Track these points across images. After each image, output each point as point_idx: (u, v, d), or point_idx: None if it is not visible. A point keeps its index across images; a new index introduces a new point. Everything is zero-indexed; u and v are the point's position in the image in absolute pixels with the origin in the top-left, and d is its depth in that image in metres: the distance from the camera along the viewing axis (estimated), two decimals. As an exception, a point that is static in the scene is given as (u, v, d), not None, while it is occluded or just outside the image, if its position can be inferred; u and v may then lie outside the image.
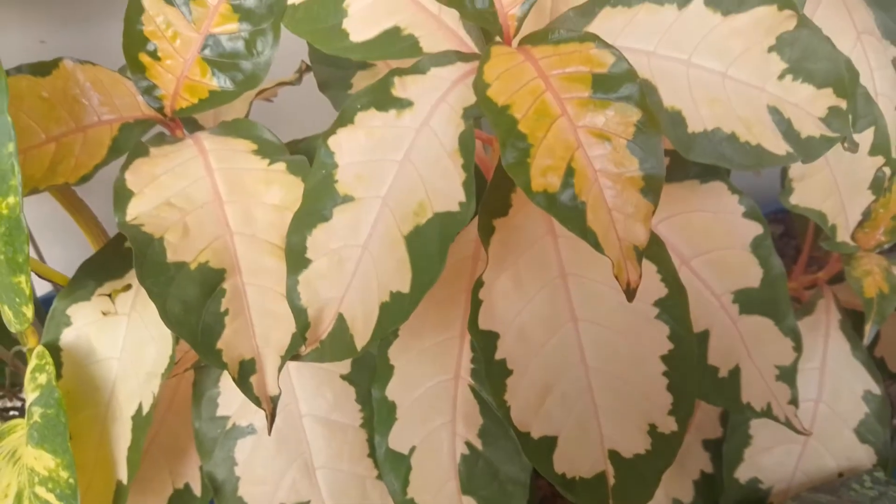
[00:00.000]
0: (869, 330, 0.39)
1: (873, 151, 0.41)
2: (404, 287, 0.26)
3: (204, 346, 0.27)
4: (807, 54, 0.28)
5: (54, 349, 0.36)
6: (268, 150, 0.31)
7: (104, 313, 0.36)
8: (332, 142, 0.27)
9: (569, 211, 0.23)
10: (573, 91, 0.25)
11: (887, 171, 0.42)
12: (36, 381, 0.35)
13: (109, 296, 0.37)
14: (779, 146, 0.27)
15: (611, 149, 0.24)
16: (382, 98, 0.27)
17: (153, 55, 0.33)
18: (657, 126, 0.24)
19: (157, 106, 0.34)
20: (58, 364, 0.36)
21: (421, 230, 0.26)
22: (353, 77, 0.39)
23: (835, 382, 0.41)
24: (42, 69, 0.33)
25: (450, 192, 0.26)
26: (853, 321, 0.44)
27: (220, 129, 0.33)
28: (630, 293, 0.24)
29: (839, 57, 0.28)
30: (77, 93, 0.33)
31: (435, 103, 0.27)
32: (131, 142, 0.33)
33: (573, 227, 0.23)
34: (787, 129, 0.27)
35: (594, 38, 0.25)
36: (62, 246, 0.61)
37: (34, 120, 0.33)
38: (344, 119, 0.27)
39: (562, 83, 0.25)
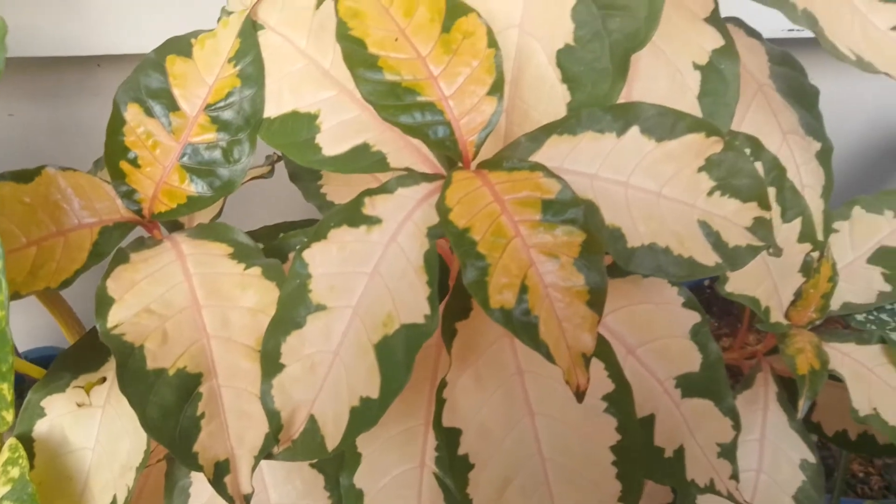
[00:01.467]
0: (802, 405, 0.43)
1: (801, 239, 0.45)
2: (373, 393, 0.28)
3: (181, 451, 0.29)
4: (732, 172, 0.31)
5: (27, 440, 0.37)
6: (243, 254, 0.34)
7: (79, 405, 0.37)
8: (307, 254, 0.29)
9: (523, 325, 0.26)
10: (525, 214, 0.28)
11: (815, 255, 0.46)
12: (8, 474, 0.36)
13: (84, 388, 0.38)
14: (708, 257, 0.30)
15: (559, 266, 0.27)
16: (354, 215, 0.29)
17: (133, 163, 0.35)
18: (599, 246, 0.27)
19: (135, 209, 0.36)
20: (30, 454, 0.37)
21: (389, 340, 0.28)
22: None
23: (774, 453, 0.44)
24: (24, 176, 0.35)
25: (416, 305, 0.28)
26: (789, 392, 0.48)
27: (197, 231, 0.35)
28: (580, 395, 0.26)
29: (760, 175, 0.31)
30: (58, 198, 0.35)
31: (402, 221, 0.29)
32: (111, 245, 0.34)
33: (527, 340, 0.26)
34: (715, 240, 0.30)
35: (542, 168, 0.28)
36: (24, 314, 0.61)
37: (15, 224, 0.34)
38: (318, 234, 0.29)
39: (515, 207, 0.28)
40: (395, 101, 0.29)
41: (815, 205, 0.46)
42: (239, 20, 0.36)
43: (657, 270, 0.29)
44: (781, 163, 0.43)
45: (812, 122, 0.46)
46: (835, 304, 0.48)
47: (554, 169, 0.31)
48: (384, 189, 0.30)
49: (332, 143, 0.33)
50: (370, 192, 0.30)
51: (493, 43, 0.30)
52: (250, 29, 0.36)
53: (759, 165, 0.43)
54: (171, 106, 0.35)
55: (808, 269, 0.46)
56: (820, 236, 0.47)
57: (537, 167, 0.28)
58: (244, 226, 0.48)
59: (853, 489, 0.67)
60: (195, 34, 0.37)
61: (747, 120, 0.43)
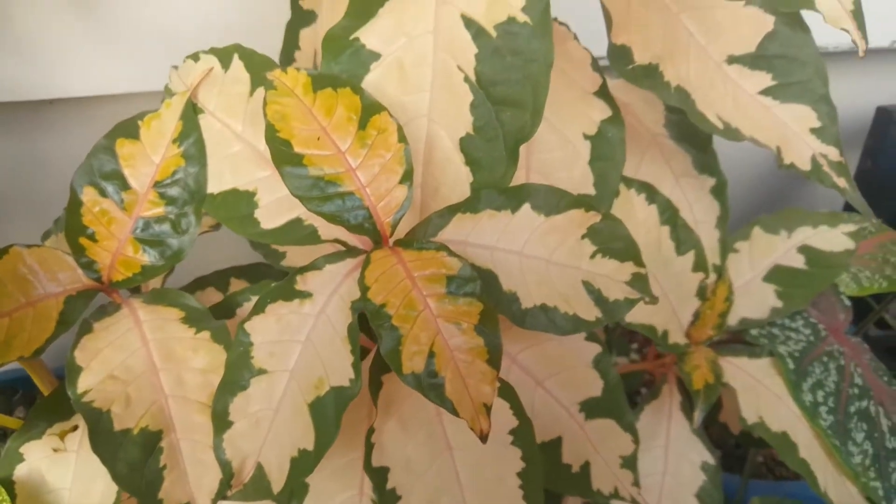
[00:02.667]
0: (697, 416, 0.49)
1: (695, 269, 0.51)
2: (309, 445, 0.33)
3: (148, 499, 0.34)
4: (610, 238, 0.37)
5: (8, 483, 0.41)
6: (194, 318, 0.38)
7: (55, 450, 0.42)
8: (249, 326, 0.34)
9: (431, 386, 0.31)
10: (433, 289, 0.33)
11: (709, 281, 0.52)
12: (-8, 515, 0.40)
13: (58, 435, 0.42)
14: (590, 313, 0.36)
15: (462, 331, 0.32)
16: (288, 291, 0.34)
17: (91, 238, 0.39)
18: (494, 313, 0.33)
19: (95, 277, 0.40)
20: (12, 496, 0.41)
21: (321, 400, 0.33)
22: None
23: (677, 457, 0.51)
24: (-7, 255, 0.39)
25: (342, 370, 0.33)
26: (692, 401, 0.54)
27: (151, 296, 0.40)
28: (483, 438, 0.32)
29: (633, 238, 0.37)
30: (25, 272, 0.39)
31: (329, 295, 0.34)
32: (77, 312, 0.39)
33: (434, 399, 0.31)
34: (597, 296, 0.36)
35: (446, 248, 0.33)
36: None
37: (-13, 298, 0.38)
38: (257, 309, 0.34)
39: (424, 283, 0.33)
40: (319, 194, 0.34)
41: (710, 236, 0.52)
42: (181, 102, 0.40)
43: (547, 327, 0.35)
44: (674, 204, 0.49)
45: (706, 161, 0.52)
46: (733, 320, 0.55)
47: (459, 242, 0.36)
48: (314, 266, 0.35)
49: (268, 217, 0.38)
50: (302, 270, 0.35)
51: (402, 138, 0.35)
52: (191, 112, 0.40)
53: (653, 208, 0.49)
54: (123, 185, 0.39)
55: (703, 293, 0.52)
56: (716, 261, 0.53)
57: (442, 247, 0.34)
58: (198, 270, 0.52)
59: (771, 472, 0.74)
60: (141, 116, 0.41)
61: (643, 168, 0.49)
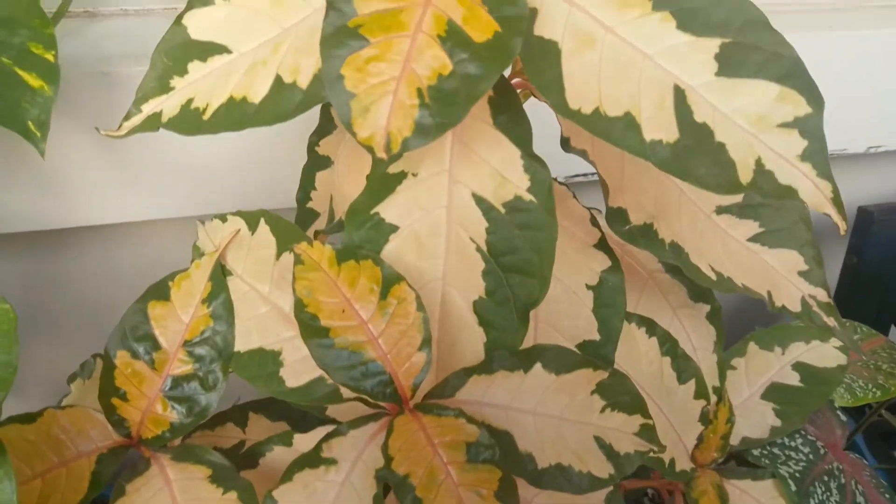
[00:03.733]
0: (706, 544, 0.50)
1: (697, 396, 0.53)
2: None
3: None
4: (619, 392, 0.39)
5: None
6: (221, 477, 0.40)
7: None
8: (276, 493, 0.36)
9: (453, 555, 0.33)
10: (454, 456, 0.35)
11: (710, 407, 0.54)
12: None
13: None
14: (603, 469, 0.37)
15: (483, 498, 0.34)
16: (314, 459, 0.36)
17: (123, 397, 0.41)
18: (512, 480, 0.34)
19: (125, 434, 0.42)
20: None
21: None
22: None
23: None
24: (28, 418, 0.40)
25: (367, 537, 0.35)
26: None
27: (179, 452, 0.41)
28: None
29: (640, 392, 0.39)
30: (58, 432, 0.41)
31: (353, 461, 0.36)
32: (109, 472, 0.40)
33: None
34: (609, 451, 0.38)
35: (464, 415, 0.36)
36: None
37: (21, 459, 0.40)
38: (285, 478, 0.36)
39: (445, 450, 0.35)
40: (344, 363, 0.36)
41: (709, 360, 0.55)
42: (210, 263, 0.43)
43: (563, 487, 0.37)
44: (672, 335, 0.51)
45: (700, 290, 0.55)
46: (735, 440, 0.57)
47: (476, 403, 0.38)
48: (338, 433, 0.37)
49: (293, 376, 0.40)
50: (327, 438, 0.36)
51: (420, 307, 0.37)
52: (220, 273, 0.43)
53: (654, 341, 0.51)
54: (154, 346, 0.42)
55: (705, 418, 0.54)
56: (716, 383, 0.56)
57: (461, 414, 0.36)
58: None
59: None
60: (172, 276, 0.44)
61: (642, 303, 0.52)
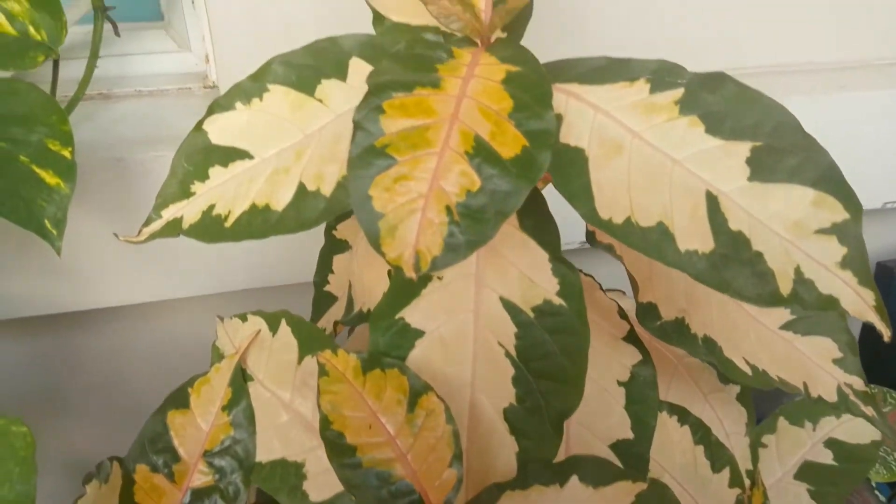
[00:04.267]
0: None
1: (731, 484, 0.51)
2: None
3: None
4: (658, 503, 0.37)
5: None
6: None
7: None
8: None
9: None
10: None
11: (746, 495, 0.52)
12: None
13: None
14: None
15: None
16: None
17: (142, 512, 0.40)
18: None
19: (146, 550, 0.40)
20: None
21: None
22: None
23: None
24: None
25: None
26: None
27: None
28: None
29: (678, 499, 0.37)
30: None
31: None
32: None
33: None
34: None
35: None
36: None
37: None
38: None
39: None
40: (372, 483, 0.35)
41: (741, 444, 0.53)
42: (230, 367, 0.42)
43: None
44: (704, 423, 0.50)
45: (723, 377, 0.54)
46: (770, 525, 0.55)
47: (510, 519, 0.36)
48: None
49: (317, 489, 0.39)
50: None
51: (450, 419, 0.36)
52: (240, 378, 0.42)
53: (686, 429, 0.49)
54: (174, 458, 0.40)
55: (741, 505, 0.52)
56: (749, 466, 0.54)
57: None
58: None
59: None
60: (191, 382, 0.43)
61: (672, 391, 0.50)
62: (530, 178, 0.31)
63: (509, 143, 0.32)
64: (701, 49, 0.75)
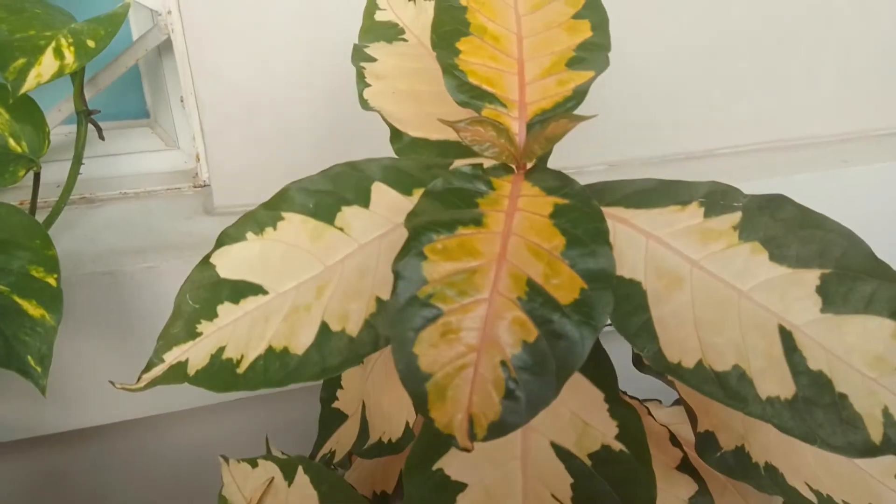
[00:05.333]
0: None
1: None
2: None
3: None
4: None
5: None
6: None
7: None
8: None
9: None
10: None
11: None
12: None
13: None
14: None
15: None
16: None
17: None
18: None
19: None
20: None
21: None
22: None
23: None
24: None
25: None
26: None
27: None
28: None
29: None
30: None
31: None
32: None
33: None
34: None
35: None
36: None
37: None
38: None
39: None
40: None
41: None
42: (242, 523, 0.37)
43: None
44: None
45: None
46: None
47: None
48: None
49: None
50: None
51: None
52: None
53: (741, 552, 0.45)
54: None
55: None
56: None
57: None
58: None
59: None
60: None
61: (723, 510, 0.46)
62: (594, 326, 0.28)
63: (565, 286, 0.29)
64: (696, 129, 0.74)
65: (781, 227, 0.32)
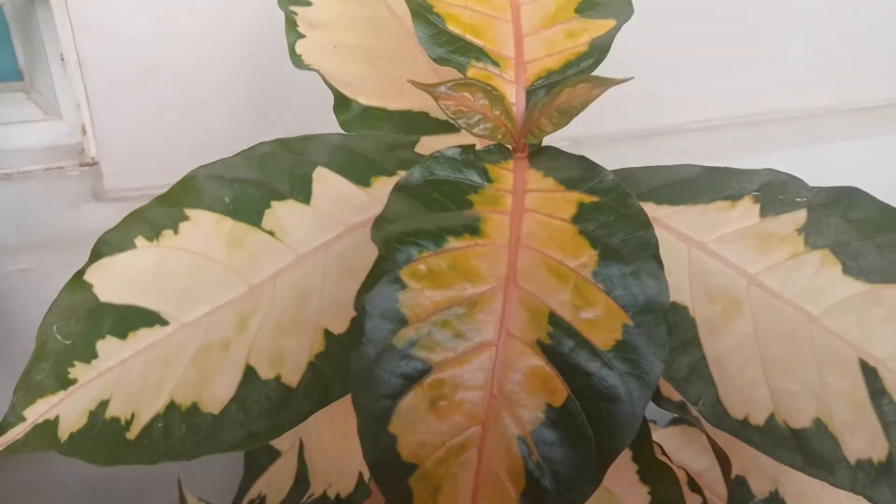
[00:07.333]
0: None
1: None
2: None
3: None
4: None
5: None
6: None
7: None
8: None
9: None
10: None
11: None
12: None
13: None
14: None
15: None
16: None
17: None
18: None
19: None
20: None
21: None
22: None
23: None
24: None
25: None
26: None
27: None
28: None
29: None
30: None
31: None
32: None
33: None
34: None
35: None
36: None
37: None
38: None
39: None
40: None
41: None
42: None
43: None
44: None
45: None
46: None
47: None
48: None
49: None
50: None
51: None
52: None
53: None
54: None
55: None
56: None
57: None
58: None
59: None
60: None
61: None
62: (647, 383, 0.20)
63: (602, 322, 0.20)
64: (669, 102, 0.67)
65: (856, 229, 0.25)
